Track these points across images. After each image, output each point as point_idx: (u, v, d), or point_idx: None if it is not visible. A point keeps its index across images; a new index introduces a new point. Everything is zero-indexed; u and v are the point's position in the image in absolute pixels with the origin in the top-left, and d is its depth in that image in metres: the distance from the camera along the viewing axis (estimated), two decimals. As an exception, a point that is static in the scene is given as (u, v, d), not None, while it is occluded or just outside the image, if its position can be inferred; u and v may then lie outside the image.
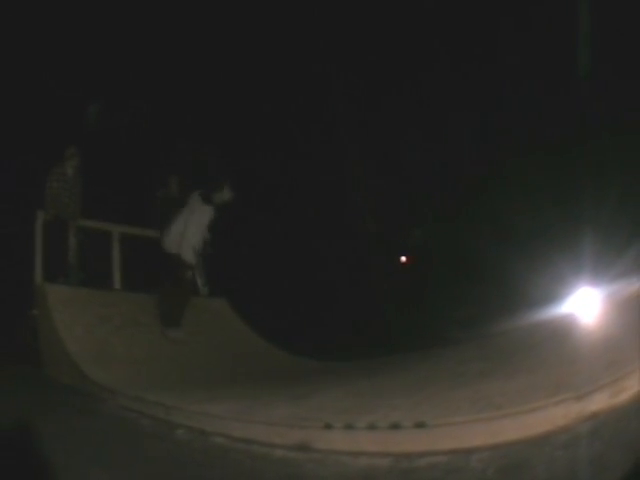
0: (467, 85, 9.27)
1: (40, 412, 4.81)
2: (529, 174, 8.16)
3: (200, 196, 8.15)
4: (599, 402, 3.02)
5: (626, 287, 4.72)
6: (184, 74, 10.65)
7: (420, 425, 3.32)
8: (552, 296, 5.50)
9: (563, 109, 8.02)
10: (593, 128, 7.42)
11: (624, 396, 3.01)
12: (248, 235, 9.50)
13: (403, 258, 12.06)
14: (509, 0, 9.05)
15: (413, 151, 9.86)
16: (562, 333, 4.74)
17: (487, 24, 9.19)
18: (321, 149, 10.70)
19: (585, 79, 7.97)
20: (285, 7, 10.26)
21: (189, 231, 7.97)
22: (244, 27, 10.34)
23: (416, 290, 9.32)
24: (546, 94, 8.27)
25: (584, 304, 5.05)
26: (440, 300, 8.32)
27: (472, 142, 9.22)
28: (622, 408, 2.98)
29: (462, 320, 7.00)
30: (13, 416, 4.48)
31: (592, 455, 2.74)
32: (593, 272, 5.53)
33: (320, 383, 5.54)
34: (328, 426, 3.63)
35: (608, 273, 5.19)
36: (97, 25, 10.16)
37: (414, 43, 9.83)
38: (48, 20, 9.77)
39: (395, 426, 3.39)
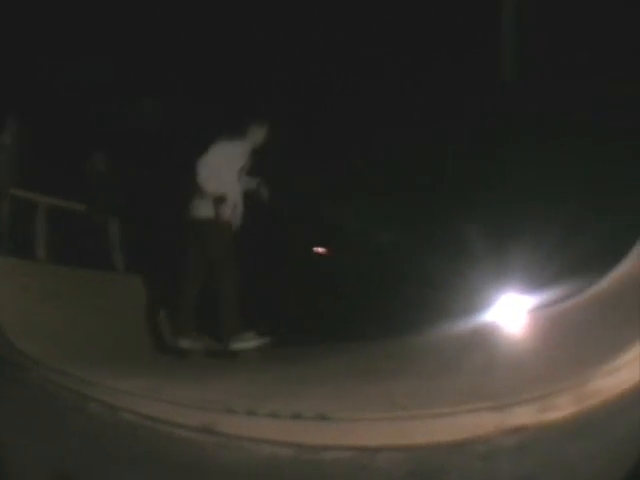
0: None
1: None
2: (453, 176, 8.36)
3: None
4: (524, 416, 3.01)
5: (558, 298, 4.94)
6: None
7: (323, 417, 3.40)
8: (476, 302, 5.62)
9: (487, 111, 8.15)
10: (521, 128, 7.49)
11: (556, 414, 2.99)
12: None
13: (320, 249, 12.01)
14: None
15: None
16: (483, 341, 4.86)
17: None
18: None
19: (508, 80, 8.22)
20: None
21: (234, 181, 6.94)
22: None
23: (330, 281, 9.16)
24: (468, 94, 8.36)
25: (510, 313, 5.18)
26: (355, 294, 8.34)
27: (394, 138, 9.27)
28: (556, 427, 2.95)
29: (376, 316, 7.03)
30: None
31: (517, 471, 2.74)
32: (522, 280, 5.52)
33: (225, 367, 5.84)
34: (231, 410, 3.74)
35: (538, 282, 5.30)
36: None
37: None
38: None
39: (297, 416, 3.48)
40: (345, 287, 8.83)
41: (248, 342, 6.54)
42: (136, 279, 8.52)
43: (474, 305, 5.57)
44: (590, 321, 4.47)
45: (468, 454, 2.89)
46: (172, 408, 4.01)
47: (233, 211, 6.99)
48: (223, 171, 6.88)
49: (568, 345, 3.99)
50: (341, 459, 3.09)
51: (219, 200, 6.77)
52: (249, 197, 7.23)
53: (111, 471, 3.42)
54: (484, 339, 4.91)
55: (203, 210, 6.87)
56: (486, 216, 7.03)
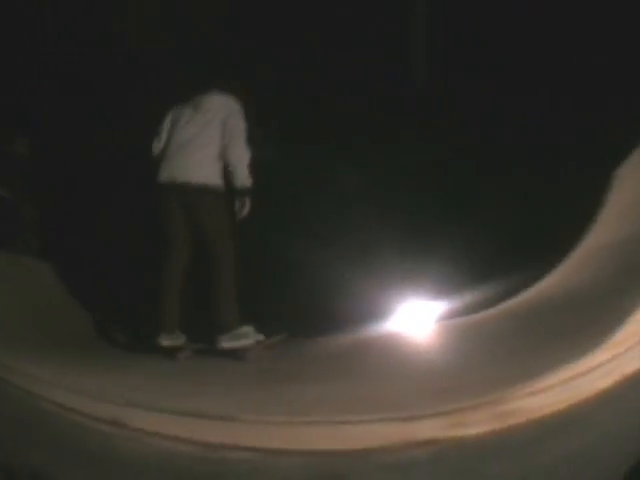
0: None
1: None
2: (349, 174, 7.97)
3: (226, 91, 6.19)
4: (434, 430, 3.02)
5: (470, 308, 4.99)
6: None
7: (224, 417, 3.48)
8: (384, 308, 5.46)
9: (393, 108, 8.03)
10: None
11: (470, 431, 3.01)
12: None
13: None
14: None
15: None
16: (389, 349, 4.89)
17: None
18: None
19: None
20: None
21: (239, 147, 5.97)
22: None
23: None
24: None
25: (420, 321, 5.15)
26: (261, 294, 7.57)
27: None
28: (471, 443, 2.97)
29: (281, 318, 6.67)
30: None
31: None
32: (432, 286, 5.43)
33: (127, 359, 5.86)
34: (132, 404, 3.81)
35: (449, 289, 5.25)
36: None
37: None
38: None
39: (198, 414, 3.57)
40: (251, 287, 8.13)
41: (245, 339, 5.93)
42: (56, 263, 8.40)
43: (382, 311, 5.45)
44: (509, 336, 4.52)
45: (373, 464, 2.95)
46: (84, 399, 4.15)
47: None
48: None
49: (483, 359, 4.06)
50: (242, 459, 3.15)
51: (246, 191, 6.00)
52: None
53: (33, 456, 3.61)
54: (391, 347, 4.94)
55: (202, 173, 6.01)
56: (395, 218, 6.85)
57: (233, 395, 4.12)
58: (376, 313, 5.44)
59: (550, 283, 4.96)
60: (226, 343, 5.81)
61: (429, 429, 3.02)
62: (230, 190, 6.06)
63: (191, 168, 5.93)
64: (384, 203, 7.17)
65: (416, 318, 5.19)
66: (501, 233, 5.70)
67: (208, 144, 6.00)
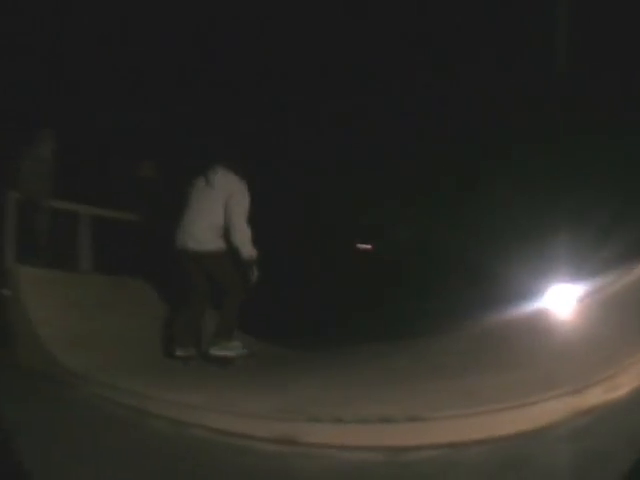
0: (444, 81, 9.18)
1: (8, 400, 4.57)
2: (502, 168, 8.08)
3: (232, 169, 6.56)
4: (595, 397, 3.07)
5: (607, 283, 4.73)
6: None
7: (413, 418, 3.30)
8: (528, 292, 5.41)
9: (538, 106, 7.97)
10: (567, 124, 7.39)
11: (619, 392, 3.06)
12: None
13: (366, 245, 11.80)
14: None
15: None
16: (543, 329, 4.71)
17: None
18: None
19: (560, 77, 8.02)
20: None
21: (240, 218, 6.38)
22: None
23: (383, 279, 9.11)
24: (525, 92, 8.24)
25: (562, 300, 4.98)
26: (409, 290, 8.21)
27: (445, 136, 9.20)
28: (619, 404, 3.03)
29: (433, 312, 6.86)
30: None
31: (591, 448, 2.77)
32: (571, 267, 5.39)
33: (295, 372, 5.49)
34: (315, 419, 3.57)
35: (587, 268, 5.14)
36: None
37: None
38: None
39: (387, 419, 3.35)
40: (398, 284, 8.78)
41: (232, 350, 6.45)
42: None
43: (528, 294, 5.36)
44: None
45: (549, 439, 2.96)
46: (248, 420, 3.82)
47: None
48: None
49: (624, 326, 3.93)
50: (432, 458, 3.08)
51: (252, 262, 6.50)
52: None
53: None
54: (545, 327, 4.78)
55: (208, 243, 6.52)
56: (538, 208, 7.03)
57: (413, 395, 3.91)
58: (526, 295, 5.36)
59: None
60: (214, 352, 6.40)
61: (590, 397, 3.08)
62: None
63: (198, 238, 6.50)
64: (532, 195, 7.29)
65: (563, 298, 5.03)
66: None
67: (214, 217, 6.50)
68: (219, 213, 6.45)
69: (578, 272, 5.21)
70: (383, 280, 9.12)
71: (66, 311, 6.55)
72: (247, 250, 6.37)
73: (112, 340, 6.43)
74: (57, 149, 7.93)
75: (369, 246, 11.61)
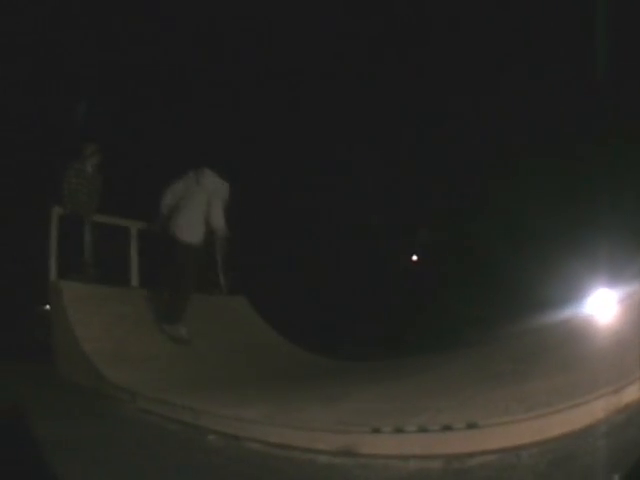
0: (475, 82, 9.26)
1: (56, 417, 4.54)
2: (543, 174, 8.17)
3: (211, 173, 7.76)
4: (631, 394, 3.22)
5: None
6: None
7: (472, 426, 3.32)
8: (568, 297, 5.48)
9: (577, 110, 7.99)
10: (606, 130, 7.33)
11: None
12: (260, 231, 9.30)
13: (414, 257, 11.87)
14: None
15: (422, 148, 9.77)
16: (584, 333, 4.84)
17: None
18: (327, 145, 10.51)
19: (598, 80, 7.88)
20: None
21: (213, 211, 7.61)
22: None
23: (427, 289, 9.20)
24: (559, 94, 8.29)
25: (601, 305, 5.04)
26: (452, 300, 8.26)
27: (483, 141, 9.20)
28: None
29: (476, 321, 6.93)
30: (27, 422, 4.21)
31: (627, 440, 2.91)
32: (610, 273, 5.41)
33: (351, 384, 5.36)
34: (376, 430, 3.51)
35: (625, 274, 5.15)
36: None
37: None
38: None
39: (447, 428, 3.36)
40: (443, 295, 8.84)
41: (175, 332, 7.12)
42: (235, 300, 8.21)
43: (568, 300, 5.45)
44: None
45: (592, 436, 3.06)
46: (307, 434, 3.73)
47: None
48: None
49: None
50: (488, 463, 3.13)
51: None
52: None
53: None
54: (586, 331, 4.90)
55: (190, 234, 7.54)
56: (577, 216, 7.06)
57: (467, 403, 3.87)
58: (565, 301, 5.46)
59: None
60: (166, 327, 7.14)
61: (628, 395, 3.20)
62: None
63: (184, 228, 7.52)
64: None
65: (601, 302, 5.11)
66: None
67: (197, 209, 7.63)
68: (202, 208, 7.69)
69: (615, 278, 5.22)
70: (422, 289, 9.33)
71: (112, 326, 6.49)
72: (221, 228, 7.72)
73: (159, 356, 6.35)
74: (102, 164, 7.98)
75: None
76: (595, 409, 3.18)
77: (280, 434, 3.76)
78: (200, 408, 4.54)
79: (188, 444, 4.09)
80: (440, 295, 8.73)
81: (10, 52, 9.02)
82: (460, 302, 8.02)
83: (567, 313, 5.28)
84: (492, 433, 3.28)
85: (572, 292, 5.58)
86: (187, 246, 7.38)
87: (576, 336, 4.84)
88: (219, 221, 7.65)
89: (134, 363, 6.03)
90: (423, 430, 3.40)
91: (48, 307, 7.22)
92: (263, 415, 4.15)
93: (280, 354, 7.21)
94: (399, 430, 3.45)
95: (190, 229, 7.45)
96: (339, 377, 6.14)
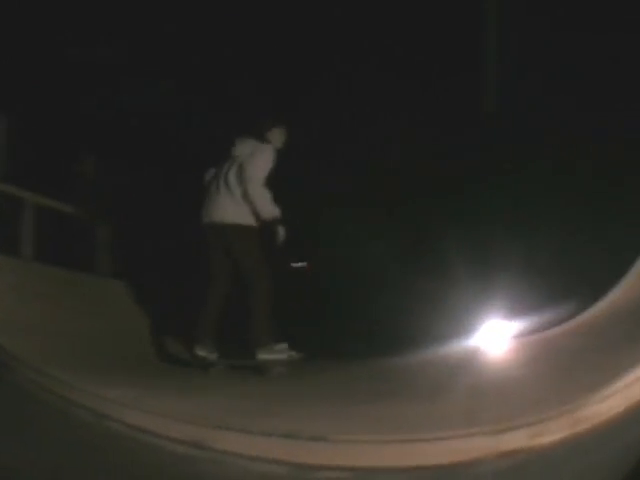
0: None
1: None
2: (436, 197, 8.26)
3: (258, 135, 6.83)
4: (517, 441, 3.03)
5: (547, 324, 4.92)
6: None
7: (318, 438, 3.36)
8: (463, 326, 5.47)
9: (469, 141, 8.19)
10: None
11: (548, 439, 3.02)
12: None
13: (300, 263, 11.59)
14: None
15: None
16: (473, 366, 4.83)
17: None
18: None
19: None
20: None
21: (256, 187, 6.55)
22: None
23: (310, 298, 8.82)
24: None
25: (498, 338, 5.10)
26: (336, 311, 8.11)
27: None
28: (547, 451, 2.99)
29: (359, 335, 6.99)
30: None
31: None
32: (507, 306, 5.43)
33: (213, 379, 5.79)
34: (224, 426, 3.66)
35: (524, 308, 5.25)
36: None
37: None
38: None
39: (291, 435, 3.42)
40: (331, 306, 8.56)
41: (278, 354, 6.44)
42: (126, 284, 8.44)
43: (461, 329, 5.50)
44: (582, 348, 4.54)
45: (459, 477, 2.96)
46: (161, 420, 3.91)
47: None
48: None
49: (559, 371, 4.07)
50: (339, 479, 3.09)
51: (276, 221, 6.68)
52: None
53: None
54: (474, 364, 4.93)
55: (231, 214, 6.70)
56: (472, 239, 6.98)
57: (325, 415, 4.01)
58: (458, 331, 5.47)
59: (615, 296, 4.84)
60: (263, 355, 6.37)
61: (512, 441, 3.03)
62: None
63: (222, 210, 6.67)
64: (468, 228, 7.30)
65: (497, 336, 5.20)
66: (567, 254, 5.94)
67: (233, 187, 6.65)
68: (236, 184, 6.69)
69: (517, 309, 5.29)
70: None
71: (7, 296, 6.64)
72: (266, 209, 6.65)
73: (49, 328, 6.57)
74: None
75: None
76: (466, 447, 3.05)
77: (137, 417, 3.95)
78: (72, 382, 4.72)
79: (56, 415, 4.28)
80: (322, 304, 8.56)
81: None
82: (343, 314, 8.01)
83: (454, 344, 5.24)
84: (342, 449, 3.27)
85: (465, 321, 5.51)
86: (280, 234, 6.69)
87: (457, 368, 4.75)
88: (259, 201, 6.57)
89: (24, 332, 6.06)
90: (268, 434, 3.49)
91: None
92: (124, 396, 4.42)
93: (159, 341, 7.50)
94: (245, 430, 3.57)
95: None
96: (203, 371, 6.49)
